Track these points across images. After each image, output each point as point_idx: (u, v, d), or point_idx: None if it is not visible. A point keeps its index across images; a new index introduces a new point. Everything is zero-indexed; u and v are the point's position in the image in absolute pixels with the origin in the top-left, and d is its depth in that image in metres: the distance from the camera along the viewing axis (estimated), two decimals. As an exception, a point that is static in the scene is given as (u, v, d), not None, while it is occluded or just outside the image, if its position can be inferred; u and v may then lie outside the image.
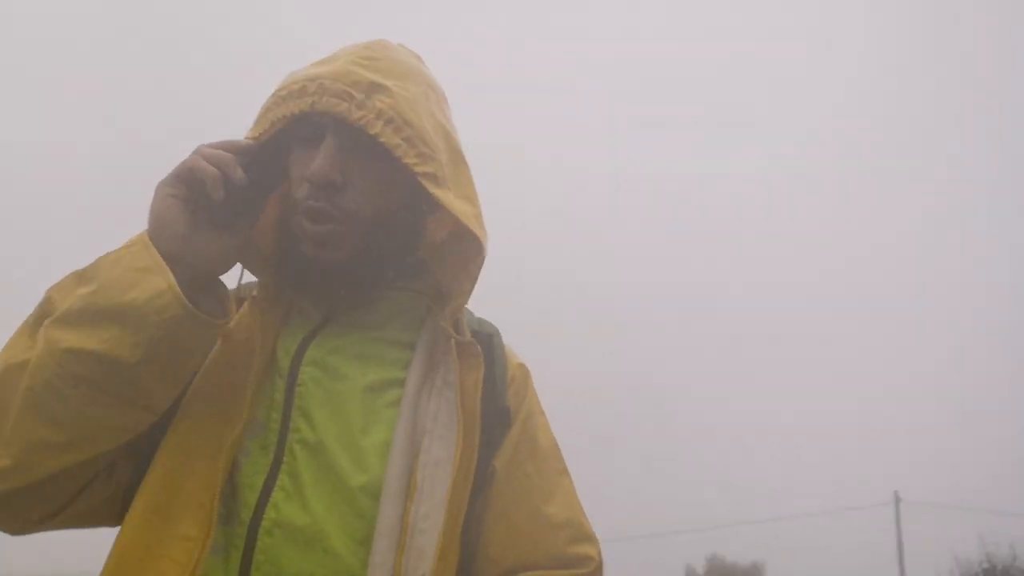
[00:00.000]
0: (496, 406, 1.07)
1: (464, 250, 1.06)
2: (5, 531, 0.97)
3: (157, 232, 0.92)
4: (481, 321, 1.17)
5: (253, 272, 1.08)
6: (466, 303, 1.10)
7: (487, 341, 1.12)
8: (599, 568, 1.07)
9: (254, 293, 1.06)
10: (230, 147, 0.97)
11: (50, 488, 0.92)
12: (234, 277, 1.04)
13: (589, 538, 1.09)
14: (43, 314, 0.92)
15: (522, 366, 1.15)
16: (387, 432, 0.99)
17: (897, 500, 21.86)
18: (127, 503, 0.96)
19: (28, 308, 0.95)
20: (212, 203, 0.93)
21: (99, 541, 0.99)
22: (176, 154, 0.94)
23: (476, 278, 1.07)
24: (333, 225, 0.99)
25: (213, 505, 0.92)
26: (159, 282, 0.88)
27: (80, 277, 0.92)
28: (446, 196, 1.01)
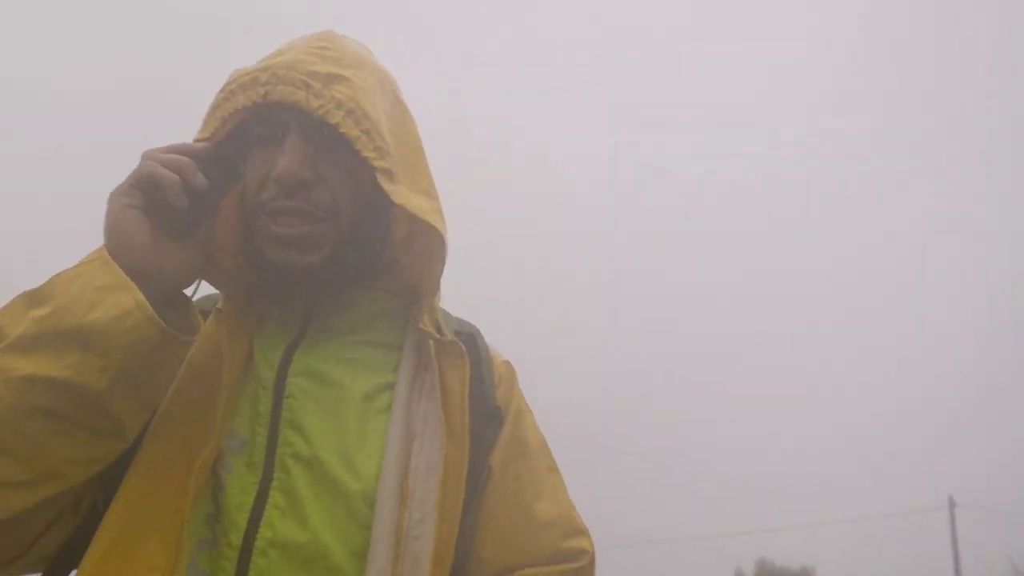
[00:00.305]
0: (486, 406, 1.04)
1: (429, 245, 1.02)
2: None
3: (117, 246, 0.85)
4: (461, 321, 1.13)
5: (212, 283, 1.02)
6: (437, 298, 1.06)
7: (470, 341, 1.09)
8: (592, 560, 1.05)
9: (218, 306, 1.00)
10: (185, 151, 0.91)
11: (10, 529, 0.84)
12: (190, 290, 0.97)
13: (581, 531, 1.06)
14: None
15: (508, 364, 1.12)
16: (380, 438, 0.95)
17: (952, 504, 21.37)
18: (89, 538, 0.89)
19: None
20: (173, 212, 0.88)
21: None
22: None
23: (441, 272, 1.04)
24: (307, 225, 0.94)
25: (181, 530, 0.86)
26: (125, 300, 0.81)
27: (31, 299, 0.84)
28: (401, 192, 0.96)
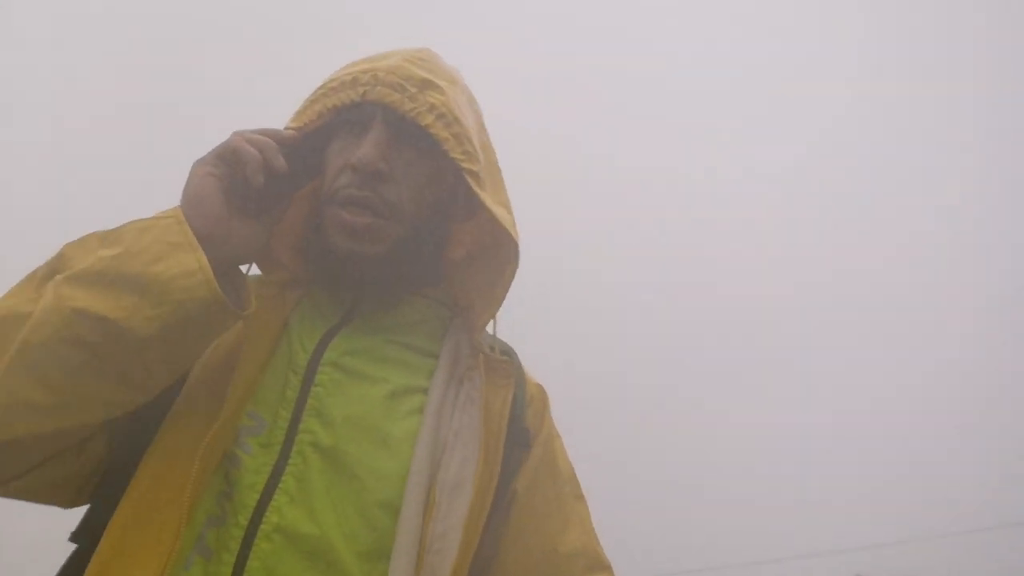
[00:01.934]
0: (517, 427, 1.03)
1: (493, 259, 1.04)
2: None
3: (193, 209, 0.88)
4: (497, 340, 1.13)
5: (262, 268, 1.05)
6: (495, 314, 1.07)
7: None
8: None
9: (260, 293, 1.00)
10: (273, 135, 0.94)
11: (16, 450, 0.85)
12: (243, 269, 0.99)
13: (604, 567, 1.05)
14: (55, 269, 0.87)
15: (540, 387, 1.12)
16: (408, 443, 0.94)
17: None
18: (87, 486, 0.92)
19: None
20: (248, 189, 0.90)
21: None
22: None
23: (508, 285, 1.04)
24: (373, 217, 0.96)
25: (184, 505, 0.85)
26: (189, 261, 0.83)
27: (104, 239, 0.87)
28: (486, 197, 1.00)
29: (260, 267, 1.05)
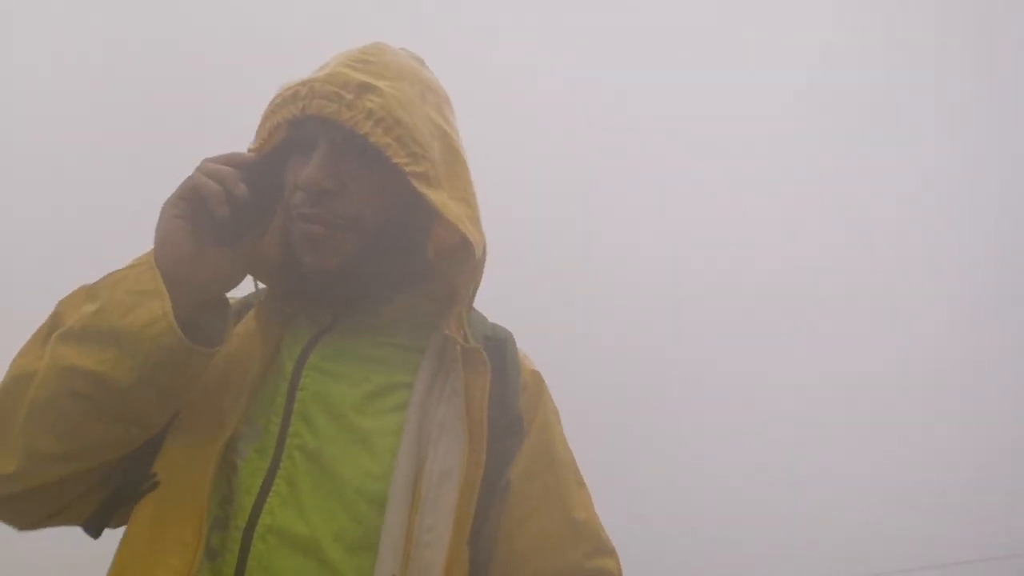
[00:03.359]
0: (508, 414, 1.04)
1: (469, 251, 1.03)
2: (12, 526, 1.02)
3: (162, 253, 0.92)
4: (495, 327, 1.14)
5: (263, 281, 1.09)
6: (469, 308, 1.07)
7: (499, 347, 1.09)
8: None
9: (261, 300, 1.07)
10: (233, 161, 0.97)
11: (51, 492, 0.95)
12: (248, 284, 1.05)
13: (609, 551, 1.06)
14: (53, 326, 0.95)
15: (535, 373, 1.12)
16: (393, 438, 0.97)
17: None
18: (120, 506, 0.98)
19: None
20: (216, 220, 0.93)
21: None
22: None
23: (476, 283, 1.06)
24: (328, 232, 0.98)
25: (203, 509, 0.92)
26: (155, 307, 0.88)
27: (88, 293, 0.94)
28: (438, 196, 0.99)
29: (262, 280, 1.08)
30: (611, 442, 3.40)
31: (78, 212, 3.31)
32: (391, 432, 0.97)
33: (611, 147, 3.84)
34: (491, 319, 1.16)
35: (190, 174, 0.95)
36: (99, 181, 3.33)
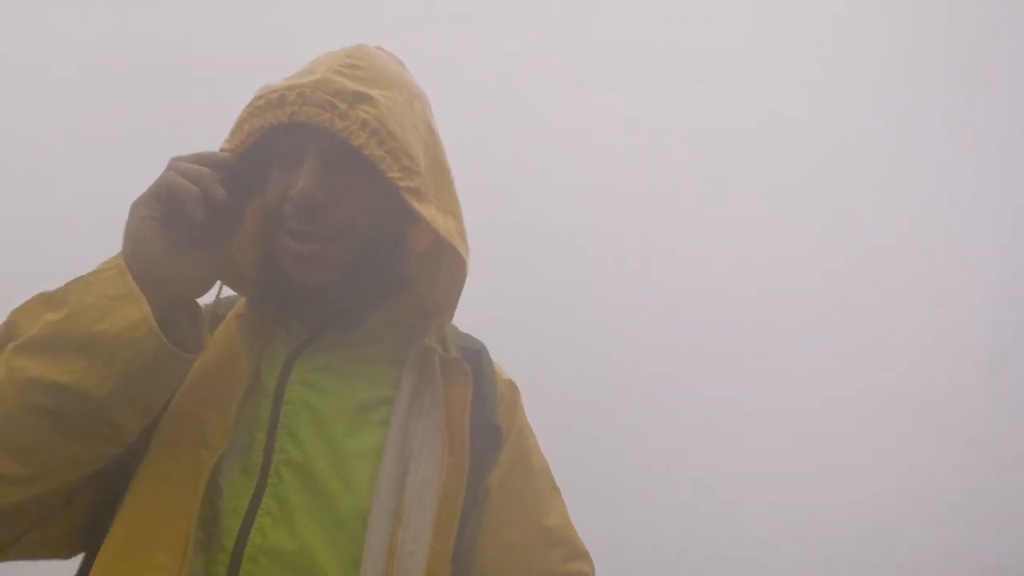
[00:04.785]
0: (487, 424, 1.04)
1: (450, 263, 1.02)
2: None
3: (133, 256, 0.87)
4: (467, 337, 1.13)
5: (234, 288, 1.05)
6: (450, 319, 1.06)
7: (475, 358, 1.08)
8: None
9: (241, 312, 1.03)
10: (208, 160, 0.92)
11: (8, 518, 0.87)
12: (212, 292, 1.00)
13: (582, 555, 1.08)
14: (6, 338, 0.86)
15: (511, 383, 1.12)
16: (375, 453, 0.95)
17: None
18: (85, 534, 0.93)
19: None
20: (191, 222, 0.89)
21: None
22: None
23: (460, 292, 1.04)
24: (320, 245, 0.95)
25: (189, 532, 0.87)
26: (132, 312, 0.83)
27: (48, 301, 0.86)
28: (428, 211, 0.97)
29: (232, 286, 1.04)
30: (586, 452, 3.41)
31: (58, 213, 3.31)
32: (375, 447, 0.96)
33: (587, 157, 3.85)
34: (466, 327, 1.16)
35: (161, 173, 0.90)
36: (99, 181, 3.34)
